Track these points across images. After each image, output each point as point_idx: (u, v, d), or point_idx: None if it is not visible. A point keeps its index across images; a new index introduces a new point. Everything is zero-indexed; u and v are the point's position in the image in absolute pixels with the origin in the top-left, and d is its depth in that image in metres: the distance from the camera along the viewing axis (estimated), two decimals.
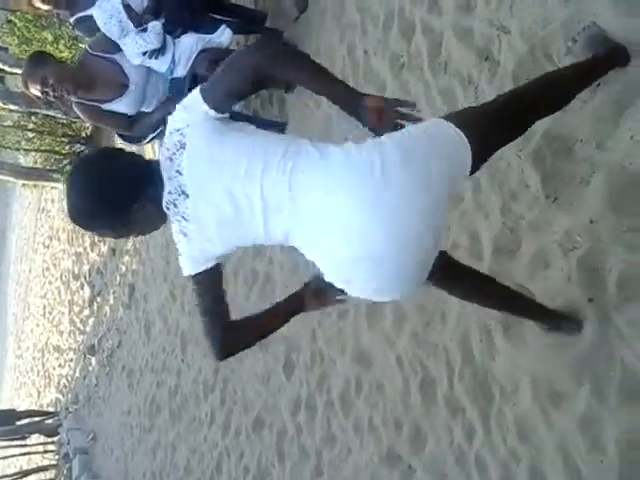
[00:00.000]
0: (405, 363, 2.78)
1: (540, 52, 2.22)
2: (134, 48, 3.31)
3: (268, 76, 1.53)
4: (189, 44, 3.49)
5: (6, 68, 9.19)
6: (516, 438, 2.16)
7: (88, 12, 3.45)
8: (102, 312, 8.95)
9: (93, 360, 9.01)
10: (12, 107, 9.86)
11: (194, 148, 1.53)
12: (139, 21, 3.37)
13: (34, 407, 12.18)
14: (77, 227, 1.66)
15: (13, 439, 10.24)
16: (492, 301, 1.96)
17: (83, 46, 3.64)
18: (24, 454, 11.11)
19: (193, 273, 1.60)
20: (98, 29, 3.37)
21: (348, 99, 1.50)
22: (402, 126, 1.50)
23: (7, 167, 11.73)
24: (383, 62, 3.16)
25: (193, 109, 1.54)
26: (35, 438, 10.42)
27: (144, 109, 3.53)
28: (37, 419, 10.37)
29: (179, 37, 3.51)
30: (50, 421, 10.22)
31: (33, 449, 10.70)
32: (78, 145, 10.94)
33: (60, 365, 11.19)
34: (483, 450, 2.30)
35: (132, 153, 1.66)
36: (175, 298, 5.85)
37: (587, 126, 2.02)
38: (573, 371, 1.96)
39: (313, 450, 3.45)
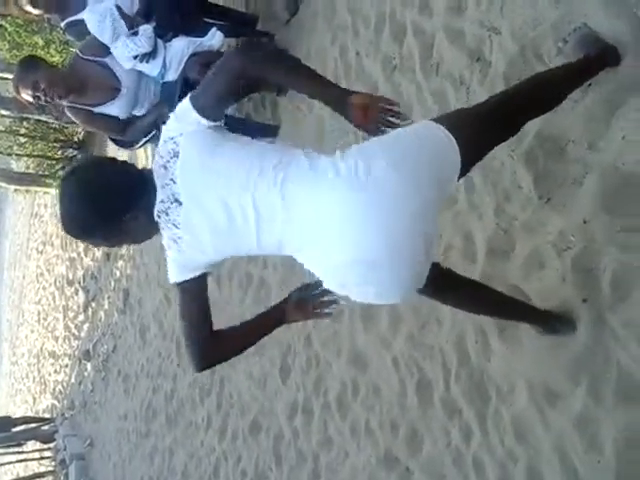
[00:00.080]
0: (401, 365, 2.78)
1: (531, 53, 2.23)
2: (125, 52, 3.30)
3: (255, 78, 1.53)
4: (180, 48, 3.48)
5: None
6: (513, 439, 2.16)
7: (79, 16, 3.44)
8: (97, 317, 8.93)
9: (88, 365, 8.98)
10: (4, 112, 9.84)
11: (187, 157, 1.53)
12: (131, 23, 3.36)
13: (30, 414, 12.13)
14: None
15: (9, 446, 10.19)
16: (486, 308, 1.96)
17: (74, 50, 3.63)
18: (20, 461, 11.05)
19: (179, 280, 1.59)
20: (89, 33, 3.36)
21: (335, 98, 1.50)
22: (389, 124, 1.48)
23: None
24: (375, 64, 3.16)
25: (185, 118, 1.54)
26: (31, 445, 10.38)
27: (136, 113, 3.52)
28: (33, 425, 10.33)
29: (170, 41, 3.50)
30: (46, 427, 10.19)
31: (29, 456, 10.66)
32: (70, 150, 10.92)
33: (55, 371, 11.15)
34: (480, 451, 2.30)
35: (124, 162, 1.65)
36: (170, 302, 5.84)
37: (579, 126, 2.02)
38: (569, 371, 1.96)
39: (310, 453, 3.45)
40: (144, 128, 3.50)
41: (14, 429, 9.91)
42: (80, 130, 10.19)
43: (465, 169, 1.56)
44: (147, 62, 3.39)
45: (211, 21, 3.75)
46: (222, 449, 4.56)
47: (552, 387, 2.03)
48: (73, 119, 3.56)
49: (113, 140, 3.87)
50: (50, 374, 11.52)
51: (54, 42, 8.66)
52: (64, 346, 10.70)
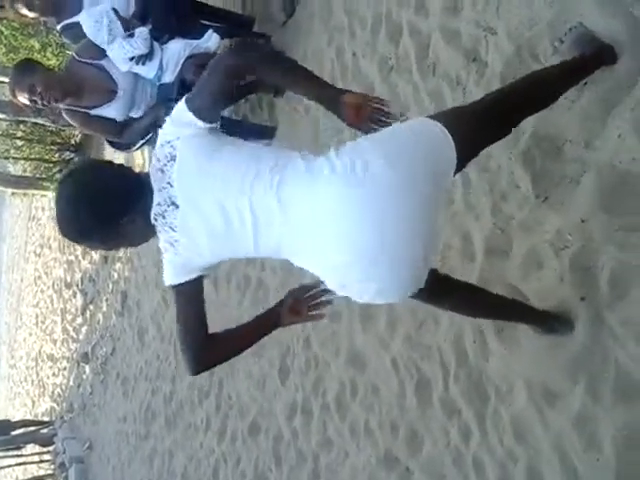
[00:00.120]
0: (400, 365, 2.78)
1: (527, 52, 2.23)
2: (121, 54, 3.30)
3: (249, 76, 1.55)
4: (176, 50, 3.48)
5: None
6: (512, 438, 2.16)
7: (75, 19, 3.44)
8: (95, 320, 8.92)
9: (87, 368, 8.97)
10: (0, 116, 9.81)
11: (184, 160, 1.53)
12: (127, 26, 3.36)
13: (29, 417, 12.12)
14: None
15: (8, 449, 10.17)
16: (483, 311, 1.96)
17: (70, 53, 3.63)
18: (20, 464, 11.03)
19: (175, 283, 1.59)
20: (85, 36, 3.36)
21: (330, 97, 1.51)
22: (381, 123, 1.49)
23: None
24: (372, 65, 3.16)
25: (181, 121, 1.54)
26: (30, 448, 10.36)
27: (133, 115, 3.52)
28: (32, 429, 10.32)
29: (166, 43, 3.50)
30: (45, 430, 10.17)
31: (29, 459, 10.64)
32: (67, 153, 10.91)
33: (54, 374, 11.13)
34: (480, 451, 2.30)
35: (121, 165, 1.65)
36: (168, 305, 5.83)
37: (575, 126, 2.03)
38: (567, 371, 1.96)
39: (310, 454, 3.45)
40: (141, 130, 3.50)
41: (13, 432, 9.90)
42: (77, 133, 10.18)
43: (461, 165, 1.56)
44: (143, 64, 3.38)
45: (207, 23, 3.75)
46: (221, 450, 4.56)
47: (551, 386, 2.04)
48: (70, 122, 3.55)
49: (110, 142, 3.87)
50: (49, 377, 11.51)
51: (50, 45, 8.67)
52: (62, 349, 10.69)
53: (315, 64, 3.52)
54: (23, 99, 3.21)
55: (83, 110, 3.39)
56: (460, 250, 2.47)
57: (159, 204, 1.55)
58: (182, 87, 3.35)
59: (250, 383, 4.22)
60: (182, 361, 1.64)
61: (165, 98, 3.39)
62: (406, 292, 1.60)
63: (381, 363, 2.92)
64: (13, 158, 11.90)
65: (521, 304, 2.03)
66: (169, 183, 1.54)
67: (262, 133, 3.92)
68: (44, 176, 11.32)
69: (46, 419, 10.88)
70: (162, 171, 1.55)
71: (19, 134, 11.11)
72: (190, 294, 1.61)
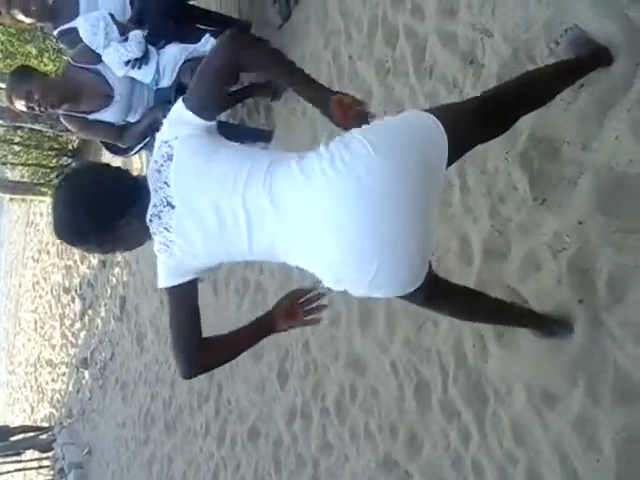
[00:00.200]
0: (399, 368, 2.78)
1: (523, 55, 2.23)
2: (116, 58, 3.30)
3: (244, 66, 1.55)
4: (173, 54, 3.48)
5: None
6: (512, 441, 2.16)
7: (72, 24, 3.44)
8: (94, 325, 8.91)
9: (86, 373, 8.95)
10: None
11: (181, 160, 1.53)
12: (122, 30, 3.36)
13: (28, 423, 12.09)
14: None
15: (7, 455, 10.15)
16: (482, 316, 1.96)
17: (66, 58, 3.63)
18: (19, 470, 11.01)
19: (169, 285, 1.58)
20: (82, 41, 3.36)
21: (320, 97, 1.55)
22: (366, 123, 1.53)
23: None
24: (368, 68, 3.17)
25: (179, 120, 1.55)
26: (30, 454, 10.33)
27: (130, 119, 3.52)
28: (31, 434, 10.29)
29: (163, 48, 3.50)
30: (44, 436, 10.14)
31: (28, 465, 10.61)
32: (65, 158, 10.92)
33: (53, 379, 11.12)
34: (479, 454, 2.30)
35: (118, 168, 1.65)
36: (166, 309, 5.82)
37: (572, 127, 2.03)
38: (566, 373, 1.96)
39: (310, 459, 3.44)
40: (139, 133, 3.50)
41: (12, 438, 9.87)
42: (75, 138, 10.20)
43: (453, 158, 1.55)
44: (139, 68, 3.38)
45: (204, 27, 3.75)
46: (221, 455, 4.55)
47: (550, 389, 2.03)
48: (68, 127, 3.55)
49: (107, 147, 3.86)
50: (48, 383, 11.49)
51: (47, 51, 8.68)
52: (61, 354, 10.67)
53: (312, 67, 3.52)
54: (20, 106, 3.21)
55: (81, 115, 3.39)
56: (458, 252, 2.47)
57: (155, 205, 1.55)
58: (179, 91, 3.35)
59: (249, 388, 4.22)
60: (175, 364, 1.63)
61: (163, 102, 3.39)
62: (403, 284, 1.57)
63: (380, 366, 2.91)
64: (11, 164, 11.90)
65: (520, 307, 2.03)
66: (165, 183, 1.54)
67: (259, 137, 3.92)
68: (42, 181, 11.33)
69: (45, 425, 10.86)
70: (159, 171, 1.55)
71: (17, 139, 11.12)
72: (184, 297, 1.60)
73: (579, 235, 1.97)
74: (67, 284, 10.71)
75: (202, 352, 1.60)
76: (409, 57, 2.86)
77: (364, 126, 1.52)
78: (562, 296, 1.99)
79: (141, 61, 3.35)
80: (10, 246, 19.35)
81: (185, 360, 1.59)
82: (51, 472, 9.94)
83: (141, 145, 3.62)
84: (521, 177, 2.21)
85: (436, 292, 1.69)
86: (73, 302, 10.15)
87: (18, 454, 10.24)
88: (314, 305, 1.70)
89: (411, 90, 2.83)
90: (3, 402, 17.08)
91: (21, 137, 10.98)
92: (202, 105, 1.54)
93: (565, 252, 2.01)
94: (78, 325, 9.71)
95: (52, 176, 11.05)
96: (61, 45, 3.94)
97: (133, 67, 3.34)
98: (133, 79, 3.43)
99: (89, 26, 3.28)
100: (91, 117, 3.40)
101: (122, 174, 1.63)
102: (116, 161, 5.32)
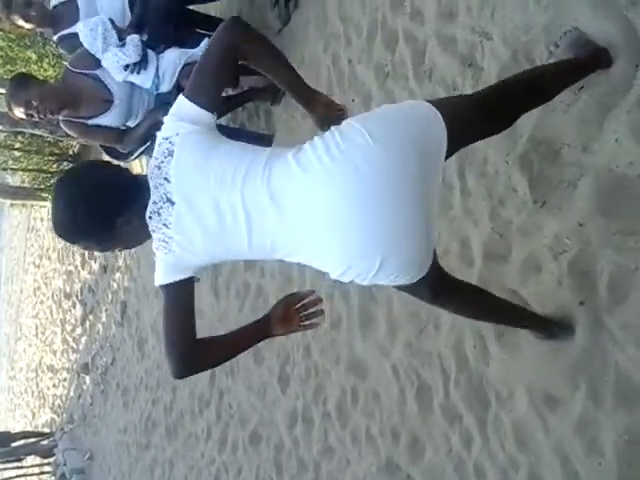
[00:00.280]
0: (400, 372, 2.77)
1: (523, 57, 2.23)
2: (114, 62, 3.30)
3: (245, 49, 1.56)
4: (172, 59, 3.49)
5: None
6: (514, 444, 2.15)
7: (72, 29, 3.45)
8: (95, 330, 8.90)
9: (87, 379, 8.94)
10: None
11: (182, 156, 1.53)
12: (121, 35, 3.36)
13: (29, 428, 12.07)
14: (67, 245, 1.64)
15: (8, 461, 10.13)
16: (485, 313, 1.95)
17: (65, 64, 3.63)
18: (20, 476, 10.97)
19: (165, 282, 1.56)
20: (82, 46, 3.36)
21: (307, 96, 1.61)
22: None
23: None
24: (368, 71, 3.17)
25: (180, 114, 1.55)
26: (31, 460, 10.33)
27: (130, 124, 3.52)
28: (32, 440, 10.27)
29: (162, 52, 3.51)
30: (45, 442, 10.13)
31: (29, 471, 10.59)
32: (65, 163, 10.92)
33: (54, 385, 11.10)
34: (482, 457, 2.29)
35: (118, 166, 1.65)
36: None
37: (572, 129, 2.03)
38: (568, 375, 1.96)
39: (311, 463, 3.43)
40: (140, 137, 3.50)
41: (13, 444, 9.86)
42: (75, 143, 10.20)
43: (452, 149, 1.55)
44: (138, 73, 3.39)
45: (203, 32, 3.76)
46: (222, 460, 4.54)
47: (551, 392, 2.03)
48: (69, 133, 3.55)
49: (108, 152, 3.86)
50: (49, 388, 11.47)
51: (47, 56, 8.68)
52: (62, 360, 10.66)
53: (311, 71, 3.52)
54: (20, 114, 3.22)
55: (80, 121, 3.40)
56: (459, 255, 2.47)
57: (155, 202, 1.54)
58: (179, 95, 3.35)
59: (250, 392, 4.21)
60: (167, 363, 1.59)
61: (163, 105, 3.39)
62: (408, 272, 1.54)
63: (382, 370, 2.91)
64: (11, 169, 11.91)
65: (523, 309, 2.03)
66: (166, 179, 1.53)
67: (259, 141, 3.92)
68: (42, 187, 11.33)
69: (46, 430, 10.84)
70: (159, 167, 1.55)
71: (17, 145, 11.13)
72: (180, 295, 1.57)
73: (579, 237, 1.97)
74: (68, 289, 10.71)
75: (196, 352, 1.57)
76: (408, 60, 2.86)
77: (360, 115, 1.52)
78: (563, 298, 1.99)
79: (140, 66, 3.36)
80: (11, 252, 19.35)
81: (178, 359, 1.57)
82: (52, 478, 9.91)
83: (141, 149, 3.62)
84: (521, 179, 2.21)
85: (442, 287, 1.69)
86: (74, 307, 10.14)
87: (19, 460, 10.22)
88: (311, 310, 1.69)
89: (410, 93, 2.83)
90: (4, 408, 17.06)
91: (21, 143, 10.99)
92: (202, 91, 1.54)
93: (566, 254, 2.01)
94: (79, 330, 9.70)
95: (53, 181, 11.04)
96: (61, 50, 3.96)
97: (132, 72, 3.35)
98: (133, 84, 3.43)
99: (88, 30, 3.29)
100: (90, 122, 3.41)
101: (122, 171, 1.63)
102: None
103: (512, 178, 2.25)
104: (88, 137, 3.67)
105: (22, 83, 3.26)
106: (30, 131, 9.57)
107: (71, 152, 10.83)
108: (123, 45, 3.30)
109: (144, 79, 3.41)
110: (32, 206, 13.39)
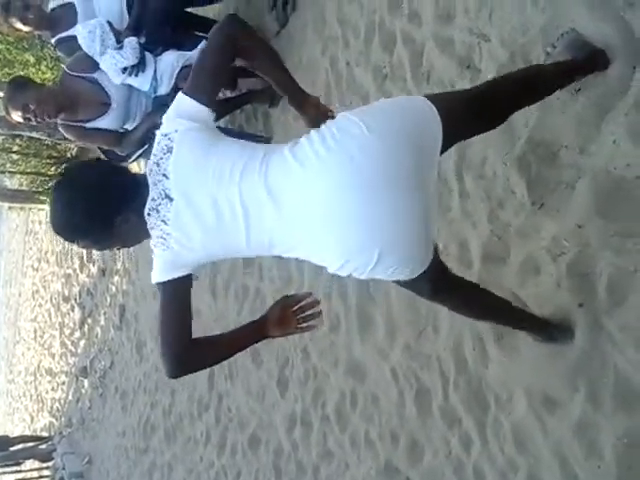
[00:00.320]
0: (399, 375, 2.77)
1: (520, 59, 2.23)
2: (112, 65, 3.30)
3: (243, 46, 1.56)
4: (170, 61, 3.49)
5: None
6: (513, 447, 2.15)
7: (70, 32, 3.45)
8: (93, 333, 8.88)
9: (86, 382, 8.92)
10: None
11: (181, 152, 1.53)
12: (119, 38, 3.36)
13: (27, 432, 12.05)
14: (66, 248, 1.64)
15: (7, 465, 10.10)
16: (485, 312, 1.94)
17: (63, 67, 3.63)
18: None
19: (162, 280, 1.56)
20: (80, 49, 3.36)
21: (299, 97, 1.60)
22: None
23: None
24: (366, 73, 3.17)
25: (179, 111, 1.55)
26: (29, 464, 10.29)
27: (128, 127, 3.52)
28: (31, 444, 10.24)
29: (160, 55, 3.50)
30: (44, 446, 10.10)
31: (28, 475, 10.56)
32: (63, 166, 10.90)
33: (53, 389, 11.08)
34: (481, 460, 2.28)
35: (117, 165, 1.65)
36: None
37: (570, 131, 2.02)
38: (567, 378, 1.95)
39: (310, 466, 3.42)
40: (138, 139, 3.50)
41: (12, 448, 9.83)
42: (73, 146, 10.18)
43: (446, 144, 1.55)
44: (136, 75, 3.39)
45: (201, 34, 3.75)
46: (221, 464, 4.53)
47: (550, 394, 2.02)
48: (67, 136, 3.55)
49: (106, 155, 3.86)
50: (47, 392, 11.45)
51: (45, 59, 8.67)
52: (61, 363, 10.64)
53: (309, 73, 3.52)
54: (17, 117, 3.21)
55: (78, 124, 3.39)
56: (457, 257, 2.46)
57: (153, 199, 1.54)
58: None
59: (249, 395, 4.20)
60: (161, 362, 1.58)
61: (161, 107, 3.39)
62: (407, 266, 1.54)
63: (380, 373, 2.90)
64: (9, 172, 11.89)
65: (521, 310, 2.02)
66: (164, 175, 1.53)
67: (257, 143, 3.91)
68: (40, 190, 11.31)
69: (45, 434, 10.82)
70: (158, 164, 1.55)
71: (15, 148, 11.10)
72: (177, 293, 1.57)
73: (578, 239, 1.96)
74: (67, 293, 10.69)
75: (191, 352, 1.56)
76: (406, 62, 2.86)
77: (357, 108, 1.53)
78: (562, 300, 1.98)
79: (138, 68, 3.35)
80: (9, 255, 19.34)
81: (173, 359, 1.56)
82: None
83: (140, 152, 3.62)
84: (519, 181, 2.20)
85: (443, 282, 1.69)
86: (73, 311, 10.12)
87: (18, 464, 10.21)
88: (308, 312, 1.68)
89: (408, 95, 2.82)
90: (3, 412, 17.03)
91: (20, 145, 10.97)
92: (201, 88, 1.54)
93: (564, 256, 2.00)
94: (78, 334, 9.68)
95: (51, 184, 11.04)
96: (59, 53, 3.95)
97: (130, 74, 3.35)
98: (130, 87, 3.43)
99: (86, 33, 3.29)
100: (88, 125, 3.41)
101: (120, 170, 1.64)
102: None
103: (510, 180, 2.25)
104: (86, 140, 3.66)
105: (20, 86, 3.25)
106: (28, 134, 9.56)
107: (69, 155, 10.81)
108: (121, 48, 3.29)
109: (142, 82, 3.41)
110: (30, 209, 13.38)
